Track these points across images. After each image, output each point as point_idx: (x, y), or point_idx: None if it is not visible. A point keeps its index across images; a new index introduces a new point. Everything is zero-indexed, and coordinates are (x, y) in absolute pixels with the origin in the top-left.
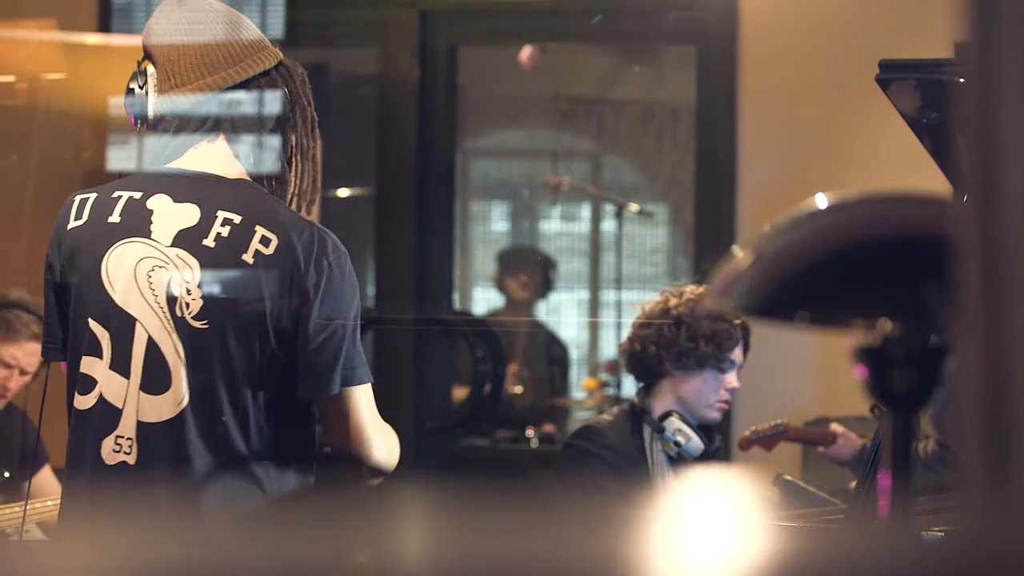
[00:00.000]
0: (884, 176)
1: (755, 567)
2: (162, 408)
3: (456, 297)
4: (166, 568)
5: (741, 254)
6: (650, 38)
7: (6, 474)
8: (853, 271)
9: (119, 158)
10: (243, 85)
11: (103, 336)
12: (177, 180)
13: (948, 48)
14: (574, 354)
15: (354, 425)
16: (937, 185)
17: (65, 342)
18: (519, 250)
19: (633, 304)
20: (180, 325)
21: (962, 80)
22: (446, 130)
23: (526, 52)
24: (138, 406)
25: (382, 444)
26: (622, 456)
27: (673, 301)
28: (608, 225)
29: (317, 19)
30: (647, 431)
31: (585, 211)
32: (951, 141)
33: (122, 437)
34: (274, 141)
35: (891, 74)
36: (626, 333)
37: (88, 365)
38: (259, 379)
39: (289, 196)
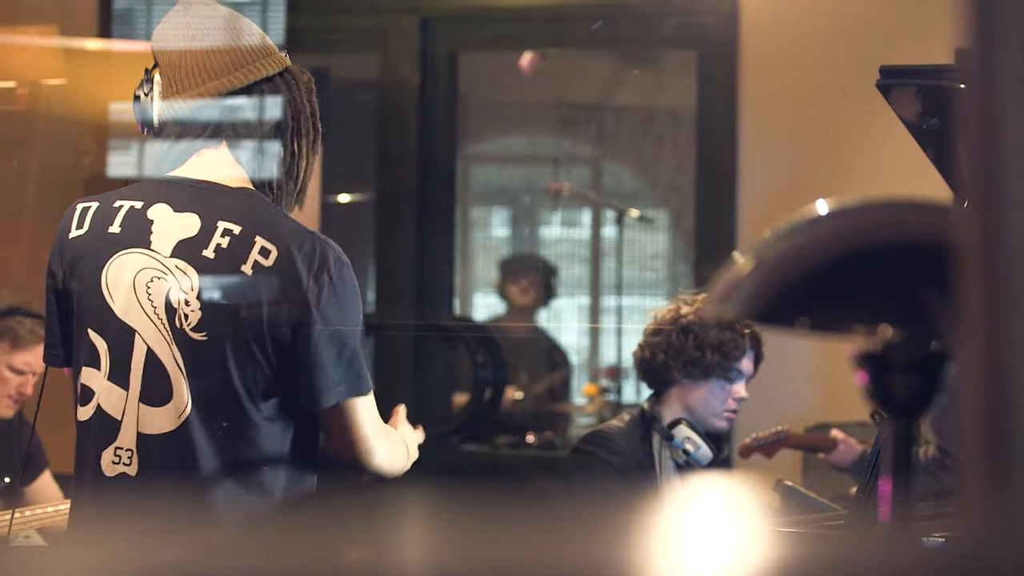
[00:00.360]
0: (885, 182)
1: (756, 573)
2: (163, 420)
3: (456, 303)
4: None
5: (742, 260)
6: (651, 44)
7: (6, 479)
8: (854, 277)
9: (120, 164)
10: (245, 91)
11: (102, 347)
12: (178, 189)
13: (949, 54)
14: (575, 360)
15: (356, 436)
16: (938, 191)
17: (67, 349)
18: (521, 257)
19: (647, 311)
20: (179, 336)
21: (963, 86)
22: (447, 136)
23: (527, 58)
24: (138, 417)
25: (385, 453)
26: (630, 462)
27: (684, 309)
28: (609, 231)
29: (318, 25)
30: (656, 438)
31: (586, 217)
32: (952, 147)
33: (121, 448)
34: (276, 147)
35: (892, 80)
36: (626, 339)
37: (87, 376)
38: (259, 390)
39: (291, 206)
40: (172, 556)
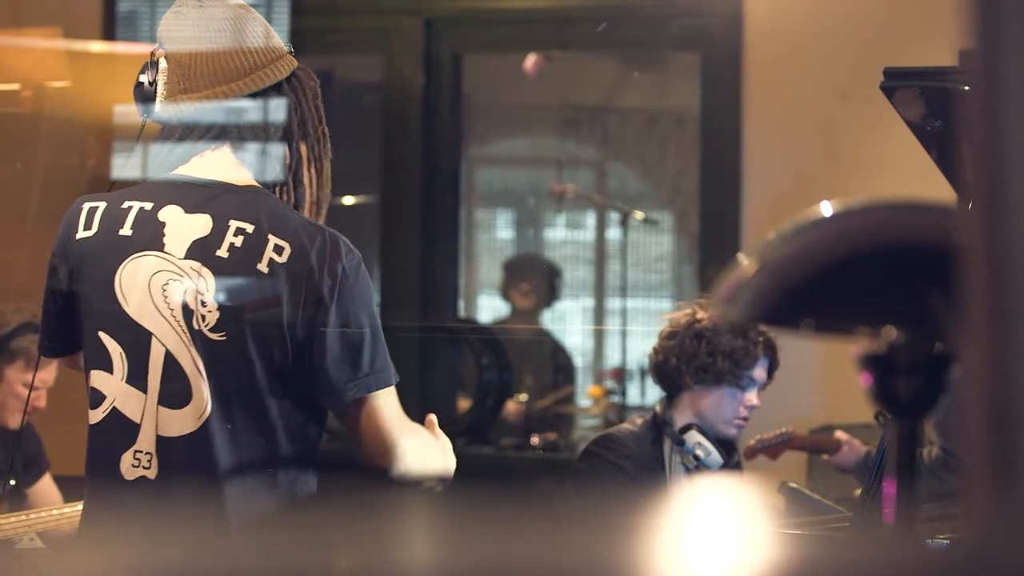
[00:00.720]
0: (889, 184)
1: (760, 575)
2: (183, 422)
3: (461, 305)
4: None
5: (746, 262)
6: (655, 46)
7: (12, 482)
8: (858, 279)
9: (124, 166)
10: (254, 94)
11: (115, 350)
12: (188, 189)
13: (953, 56)
14: (579, 362)
15: (383, 429)
16: (942, 193)
17: (65, 343)
18: (525, 259)
19: (663, 314)
20: (197, 338)
21: (966, 88)
22: (451, 138)
23: (531, 60)
24: (157, 420)
25: (412, 448)
26: (640, 466)
27: (700, 314)
28: (613, 233)
29: (321, 27)
30: (667, 443)
31: (590, 219)
32: (956, 149)
33: (141, 452)
34: (282, 151)
35: (896, 82)
36: (630, 341)
37: (97, 379)
38: (278, 388)
39: (305, 207)
40: (193, 556)
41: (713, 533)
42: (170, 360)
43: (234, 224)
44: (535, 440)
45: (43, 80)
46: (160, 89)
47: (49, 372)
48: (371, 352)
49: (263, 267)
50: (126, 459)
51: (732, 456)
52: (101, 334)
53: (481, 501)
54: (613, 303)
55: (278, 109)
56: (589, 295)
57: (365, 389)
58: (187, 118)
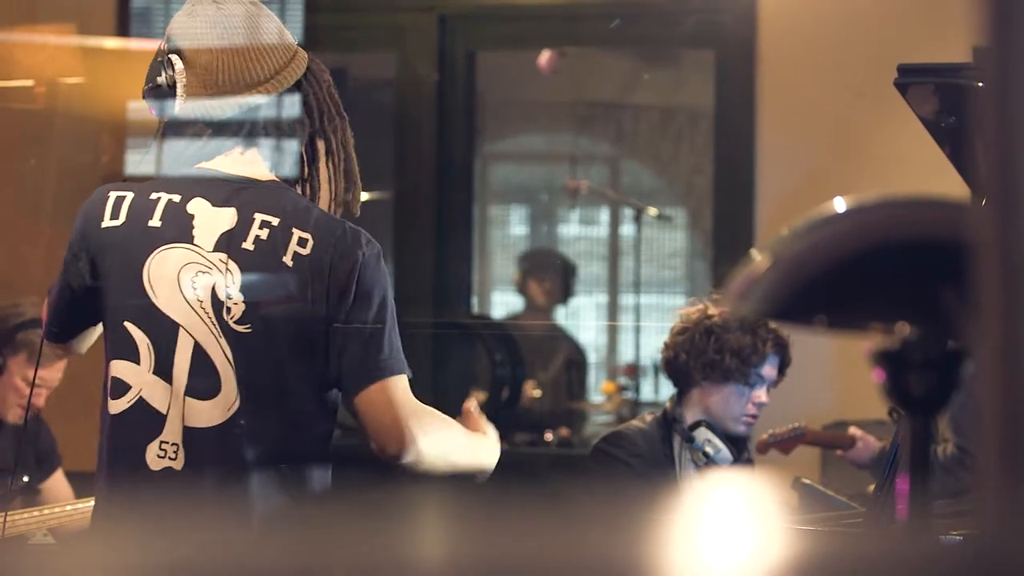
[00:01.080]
0: (902, 180)
1: (774, 571)
2: (212, 413)
3: (475, 301)
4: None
5: (759, 258)
6: (669, 43)
7: (25, 478)
8: (871, 275)
9: (138, 162)
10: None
11: (142, 341)
12: (214, 184)
13: (966, 52)
14: (592, 358)
15: (399, 416)
16: (955, 189)
17: (72, 329)
18: (541, 254)
19: (675, 310)
20: (225, 329)
21: (980, 84)
22: (465, 134)
23: (545, 56)
24: (183, 411)
25: (427, 433)
26: (650, 464)
27: (712, 310)
28: (627, 229)
29: (335, 23)
30: (677, 440)
31: (604, 215)
32: (969, 145)
33: (167, 443)
34: (301, 146)
35: (909, 78)
36: (644, 337)
37: (120, 369)
38: (303, 379)
39: (326, 202)
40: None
41: (726, 529)
42: (198, 351)
43: (259, 217)
44: (549, 436)
45: (57, 76)
46: (179, 90)
47: (53, 371)
48: (389, 341)
49: (288, 259)
50: (151, 449)
51: (742, 453)
52: (127, 324)
53: (494, 497)
54: (626, 299)
55: (296, 105)
56: (603, 291)
57: (382, 374)
58: (207, 118)
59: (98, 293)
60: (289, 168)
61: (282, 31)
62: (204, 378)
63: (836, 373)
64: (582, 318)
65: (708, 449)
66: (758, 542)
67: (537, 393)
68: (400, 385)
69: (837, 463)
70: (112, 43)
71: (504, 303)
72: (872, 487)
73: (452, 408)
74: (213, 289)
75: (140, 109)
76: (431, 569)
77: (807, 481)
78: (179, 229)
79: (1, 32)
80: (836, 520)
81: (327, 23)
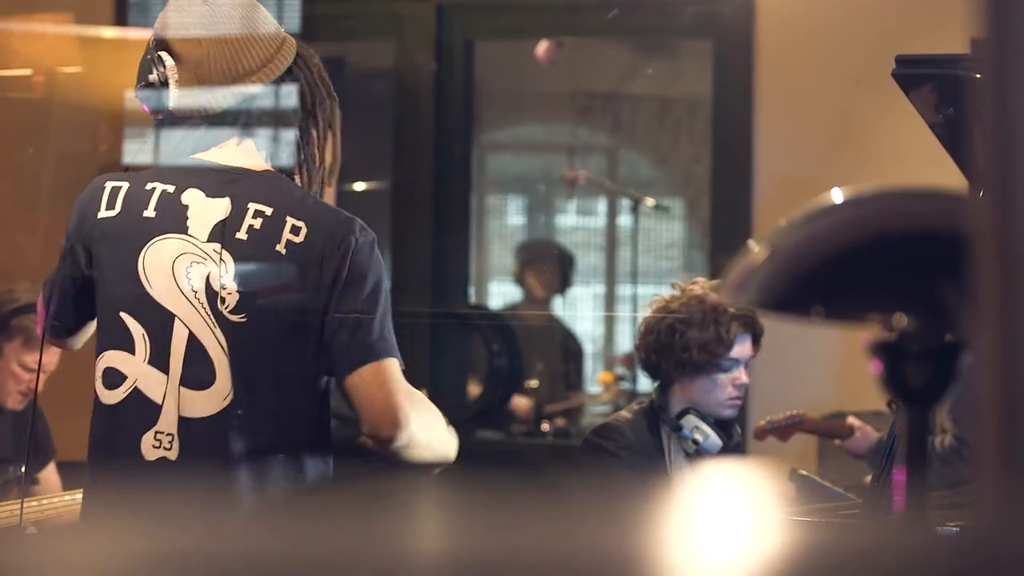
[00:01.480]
0: (900, 171)
1: (770, 562)
2: (205, 403)
3: (472, 291)
4: (198, 558)
5: (757, 249)
6: (667, 33)
7: (22, 469)
8: (869, 265)
9: (136, 152)
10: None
11: (138, 331)
12: (208, 174)
13: (965, 43)
14: (590, 348)
15: (391, 399)
16: (953, 180)
17: (74, 322)
18: (539, 244)
19: (645, 304)
20: (220, 319)
21: (978, 75)
22: (462, 124)
23: (543, 46)
24: (179, 401)
25: (420, 419)
26: (640, 455)
27: (673, 302)
28: (624, 219)
29: (333, 12)
30: (665, 430)
31: (601, 205)
32: (967, 136)
33: (162, 433)
34: (297, 134)
35: (907, 69)
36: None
37: (115, 359)
38: (299, 367)
39: (317, 184)
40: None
41: (722, 521)
42: (193, 342)
43: (252, 207)
44: (545, 426)
45: (55, 66)
46: (171, 86)
47: (49, 356)
48: (380, 325)
49: (281, 248)
50: (147, 440)
51: (732, 437)
52: (123, 315)
53: (491, 487)
54: (624, 289)
55: (288, 93)
56: (600, 281)
57: (373, 357)
58: (201, 110)
59: (95, 283)
60: (283, 156)
61: (269, 19)
62: (199, 368)
63: (834, 364)
64: (579, 308)
65: (697, 436)
66: (754, 533)
67: (534, 383)
68: (392, 368)
69: (834, 454)
70: (110, 32)
71: (501, 293)
72: (869, 478)
73: (447, 399)
74: (207, 279)
75: (138, 98)
76: (427, 559)
77: (804, 472)
78: (174, 219)
79: None
80: (833, 511)
81: (325, 12)
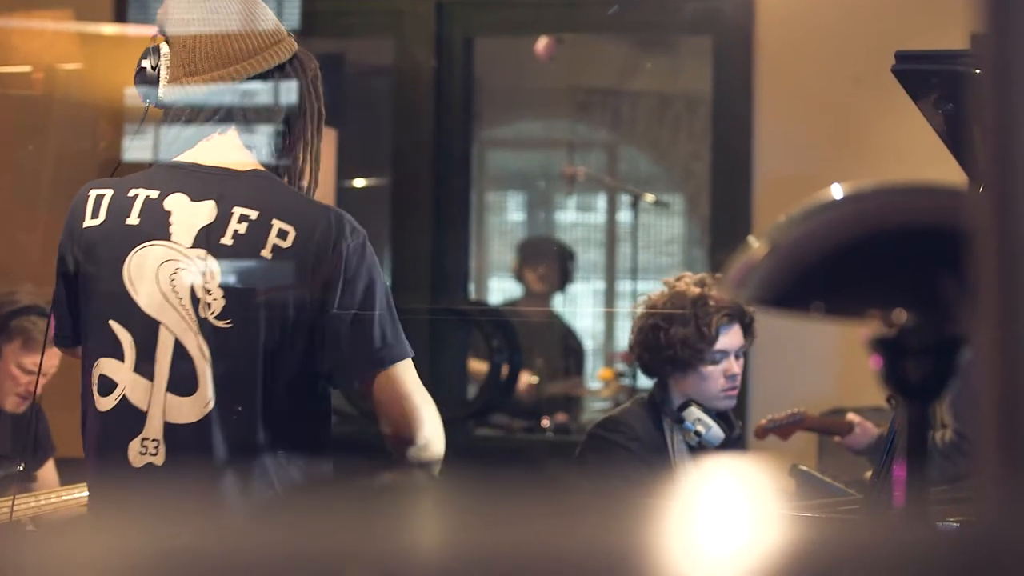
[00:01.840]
0: (900, 167)
1: (771, 557)
2: (190, 409)
3: (472, 287)
4: (188, 559)
5: (756, 245)
6: (666, 29)
7: (21, 467)
8: (868, 261)
9: (135, 148)
10: (257, 76)
11: (125, 338)
12: (192, 176)
13: (964, 39)
14: (590, 344)
15: (406, 402)
16: (953, 176)
17: (76, 332)
18: (539, 241)
19: (634, 305)
20: (204, 326)
21: (978, 71)
22: (462, 121)
23: (542, 43)
24: (164, 408)
25: (433, 422)
26: (647, 447)
27: (655, 298)
28: (624, 216)
29: (333, 9)
30: (667, 422)
31: (601, 202)
32: (967, 132)
33: (148, 439)
34: (284, 133)
35: (907, 65)
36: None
37: (107, 367)
38: (286, 373)
39: (304, 188)
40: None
41: (724, 515)
42: (179, 348)
43: (238, 211)
44: (545, 422)
45: (55, 62)
46: (163, 73)
47: (50, 358)
48: (382, 327)
49: (267, 253)
50: (134, 447)
51: (732, 429)
52: (112, 323)
53: (491, 483)
54: (624, 286)
55: (281, 92)
56: (600, 278)
57: (380, 364)
58: (191, 101)
59: (87, 293)
60: (271, 155)
61: (269, 16)
62: (184, 374)
63: (834, 360)
64: (579, 304)
65: (700, 428)
66: (756, 529)
67: (535, 379)
68: (403, 373)
69: (834, 450)
70: (110, 29)
71: (501, 289)
72: (869, 474)
73: (447, 395)
74: (192, 286)
75: (137, 95)
76: (429, 555)
77: (804, 468)
78: (156, 226)
79: None
80: (833, 507)
81: (325, 9)
